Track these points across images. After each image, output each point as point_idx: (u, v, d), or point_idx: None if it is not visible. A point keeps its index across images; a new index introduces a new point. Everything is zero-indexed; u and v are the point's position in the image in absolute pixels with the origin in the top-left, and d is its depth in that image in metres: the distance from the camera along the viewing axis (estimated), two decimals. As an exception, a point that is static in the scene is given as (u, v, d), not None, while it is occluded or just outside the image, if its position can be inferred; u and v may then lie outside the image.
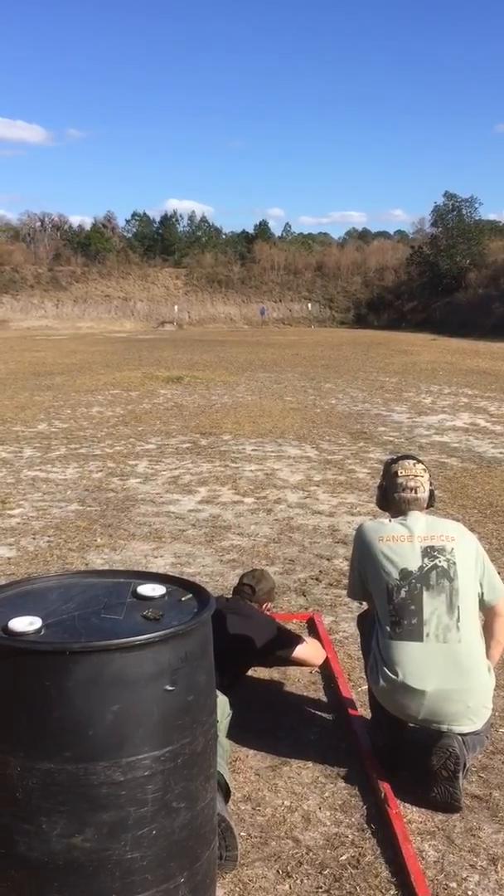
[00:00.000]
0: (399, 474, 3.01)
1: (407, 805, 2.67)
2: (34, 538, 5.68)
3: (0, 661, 1.77)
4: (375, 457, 8.56)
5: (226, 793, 2.48)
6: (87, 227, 60.15)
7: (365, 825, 2.56)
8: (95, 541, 5.60)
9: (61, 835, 1.72)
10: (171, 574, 2.60)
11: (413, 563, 2.81)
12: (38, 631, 1.81)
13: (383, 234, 70.48)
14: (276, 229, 69.01)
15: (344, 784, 2.80)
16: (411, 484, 2.99)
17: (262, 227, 63.17)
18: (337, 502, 6.69)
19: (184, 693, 1.83)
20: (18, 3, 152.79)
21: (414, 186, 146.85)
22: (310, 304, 49.43)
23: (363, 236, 69.87)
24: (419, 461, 3.10)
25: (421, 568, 2.80)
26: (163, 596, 2.02)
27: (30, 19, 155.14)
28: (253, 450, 8.98)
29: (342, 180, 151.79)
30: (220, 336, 35.58)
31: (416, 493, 2.99)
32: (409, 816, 2.61)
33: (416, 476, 3.01)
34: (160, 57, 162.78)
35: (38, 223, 60.09)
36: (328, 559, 5.22)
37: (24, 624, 1.81)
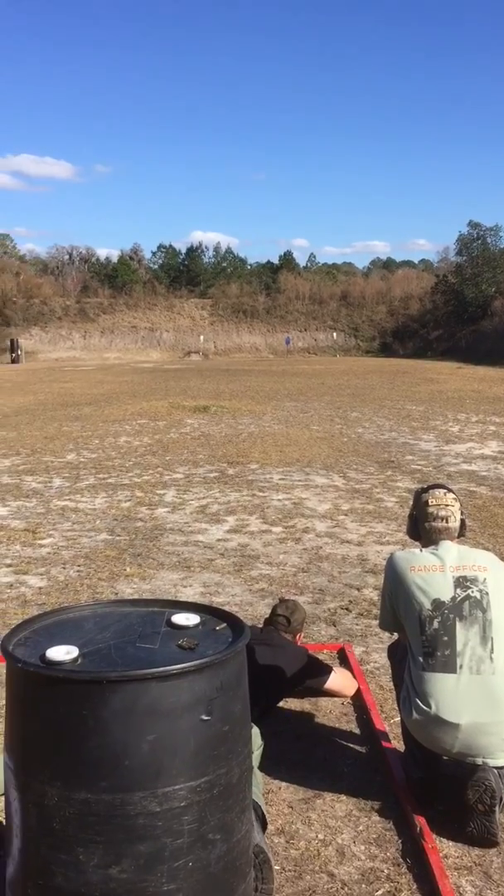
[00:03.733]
0: (430, 503, 3.01)
1: (443, 839, 2.63)
2: (64, 567, 5.71)
3: (38, 690, 1.79)
4: (403, 486, 8.52)
5: (262, 823, 2.46)
6: (114, 259, 61.15)
7: (400, 860, 2.53)
8: (125, 570, 5.62)
9: (98, 865, 1.72)
10: (204, 603, 2.61)
11: (445, 593, 2.80)
12: (74, 660, 1.82)
13: (407, 264, 70.87)
14: (301, 259, 69.60)
15: (378, 818, 2.76)
16: (442, 513, 2.99)
17: (287, 258, 63.78)
18: (365, 531, 6.66)
19: (219, 723, 1.83)
20: (46, 42, 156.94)
21: (437, 216, 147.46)
22: (335, 334, 49.61)
23: (387, 265, 70.38)
24: (450, 490, 3.09)
25: (453, 598, 2.78)
26: (197, 625, 2.03)
27: (57, 59, 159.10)
28: (280, 479, 8.98)
29: (365, 210, 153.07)
30: (246, 365, 35.77)
31: (447, 522, 2.98)
32: (445, 851, 2.57)
33: (447, 505, 3.00)
34: (184, 94, 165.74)
35: (67, 256, 61.31)
36: (358, 589, 5.20)
37: (62, 653, 1.82)
